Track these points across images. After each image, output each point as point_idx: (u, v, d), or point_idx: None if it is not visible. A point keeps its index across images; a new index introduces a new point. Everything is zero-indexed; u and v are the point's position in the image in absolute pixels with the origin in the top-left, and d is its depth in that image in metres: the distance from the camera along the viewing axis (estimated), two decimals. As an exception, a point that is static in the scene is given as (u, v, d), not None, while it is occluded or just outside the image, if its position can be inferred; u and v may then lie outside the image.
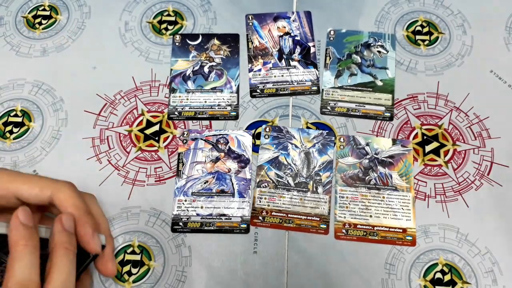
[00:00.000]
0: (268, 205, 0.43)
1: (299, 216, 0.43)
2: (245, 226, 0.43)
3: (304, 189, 0.44)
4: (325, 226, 0.43)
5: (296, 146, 0.45)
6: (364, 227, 0.43)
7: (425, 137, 0.47)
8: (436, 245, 0.42)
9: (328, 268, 0.42)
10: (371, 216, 0.43)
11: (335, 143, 0.45)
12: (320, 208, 0.43)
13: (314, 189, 0.44)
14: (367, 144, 0.46)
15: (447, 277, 0.41)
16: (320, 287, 0.41)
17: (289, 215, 0.43)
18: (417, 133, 0.47)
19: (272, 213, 0.43)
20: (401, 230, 0.43)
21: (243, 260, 0.42)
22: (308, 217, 0.43)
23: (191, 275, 0.42)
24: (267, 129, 0.46)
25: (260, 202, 0.44)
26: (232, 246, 0.43)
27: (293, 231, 0.43)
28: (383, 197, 0.44)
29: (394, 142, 0.46)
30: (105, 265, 0.36)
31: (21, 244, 0.30)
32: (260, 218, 0.43)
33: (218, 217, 0.43)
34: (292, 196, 0.44)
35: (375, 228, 0.43)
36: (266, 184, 0.44)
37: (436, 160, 0.46)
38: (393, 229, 0.43)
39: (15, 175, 0.35)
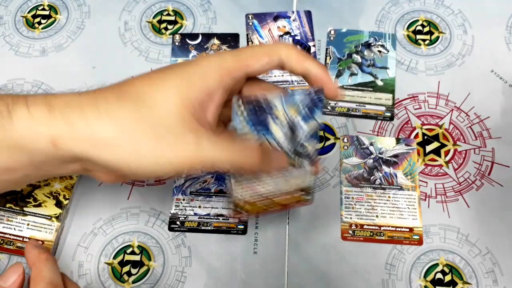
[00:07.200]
0: (251, 196, 0.36)
1: (284, 197, 0.37)
2: (242, 227, 0.43)
3: (289, 168, 0.36)
4: (309, 197, 0.38)
5: (276, 118, 0.33)
6: (371, 227, 0.43)
7: (425, 137, 0.47)
8: (436, 245, 0.42)
9: (328, 268, 0.42)
10: (377, 216, 0.43)
11: (323, 103, 0.35)
12: (305, 181, 0.37)
13: (300, 164, 0.35)
14: (371, 144, 0.46)
15: (447, 278, 0.41)
16: (320, 287, 0.41)
17: (273, 199, 0.37)
18: (417, 133, 0.47)
19: (256, 202, 0.37)
20: (408, 230, 0.43)
21: (243, 260, 0.42)
22: (294, 194, 0.37)
23: (191, 275, 0.42)
24: (240, 102, 0.31)
25: (240, 195, 0.36)
26: (232, 246, 0.43)
27: (279, 211, 0.39)
28: (389, 197, 0.44)
29: (398, 141, 0.46)
30: None
31: (43, 258, 0.33)
32: (244, 211, 0.38)
33: (215, 217, 0.43)
34: (276, 181, 0.36)
35: (382, 228, 0.43)
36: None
37: (436, 160, 0.46)
38: (399, 229, 0.43)
39: (238, 53, 0.32)
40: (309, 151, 0.35)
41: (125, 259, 0.42)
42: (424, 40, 0.51)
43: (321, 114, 0.35)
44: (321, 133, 0.46)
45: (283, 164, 0.34)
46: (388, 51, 0.50)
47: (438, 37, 0.51)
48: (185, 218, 0.43)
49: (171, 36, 0.52)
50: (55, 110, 0.30)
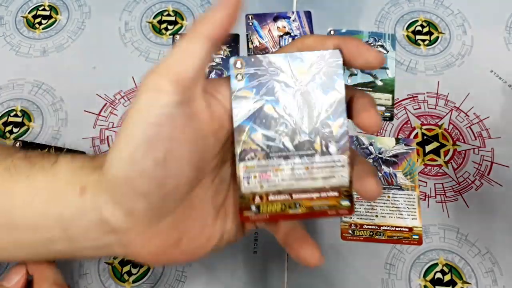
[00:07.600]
0: (261, 186, 0.28)
1: (308, 195, 0.28)
2: (245, 226, 0.43)
3: (309, 152, 0.28)
4: (348, 204, 0.28)
5: (286, 85, 0.27)
6: (371, 227, 0.43)
7: (425, 137, 0.47)
8: (436, 245, 0.42)
9: (328, 268, 0.42)
10: (377, 216, 0.43)
11: (343, 69, 0.27)
12: (336, 176, 0.28)
13: (324, 149, 0.28)
14: (371, 144, 0.46)
15: (447, 277, 0.41)
16: (320, 287, 0.41)
17: (293, 196, 0.28)
18: (417, 133, 0.47)
19: (269, 198, 0.28)
20: (407, 229, 0.43)
21: (243, 260, 0.42)
22: (322, 194, 0.28)
23: (191, 275, 0.42)
24: (238, 64, 0.27)
25: (248, 184, 0.28)
26: (232, 246, 0.42)
27: (305, 218, 0.29)
28: (388, 197, 0.44)
29: (398, 141, 0.46)
30: None
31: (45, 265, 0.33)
32: (253, 208, 0.28)
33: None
34: (294, 166, 0.28)
35: (381, 227, 0.43)
36: (252, 154, 0.28)
37: (436, 160, 0.46)
38: (399, 228, 0.43)
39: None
40: (335, 132, 0.28)
41: (125, 258, 0.42)
42: (423, 41, 0.51)
43: (344, 83, 0.27)
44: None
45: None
46: (388, 51, 0.51)
47: (437, 38, 0.52)
48: (185, 218, 0.43)
49: (172, 36, 0.52)
50: (95, 158, 0.29)
